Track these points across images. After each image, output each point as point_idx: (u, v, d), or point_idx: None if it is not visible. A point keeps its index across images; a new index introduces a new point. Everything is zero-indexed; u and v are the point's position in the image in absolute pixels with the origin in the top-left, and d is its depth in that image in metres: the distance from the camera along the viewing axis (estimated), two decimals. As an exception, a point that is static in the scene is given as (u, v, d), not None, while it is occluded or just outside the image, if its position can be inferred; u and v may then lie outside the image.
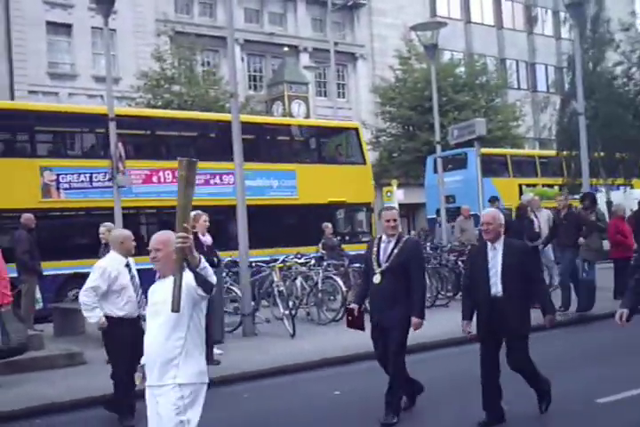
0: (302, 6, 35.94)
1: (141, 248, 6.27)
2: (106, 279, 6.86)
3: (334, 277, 13.10)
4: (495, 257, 6.40)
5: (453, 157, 24.66)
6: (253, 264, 12.78)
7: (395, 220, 6.76)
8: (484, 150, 26.29)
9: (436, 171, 21.69)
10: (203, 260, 4.13)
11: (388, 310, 6.61)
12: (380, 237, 6.90)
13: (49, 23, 29.11)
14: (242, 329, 11.61)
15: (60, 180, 15.38)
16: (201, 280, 4.05)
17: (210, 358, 8.94)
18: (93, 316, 6.93)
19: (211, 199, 15.60)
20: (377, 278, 6.73)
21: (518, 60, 43.05)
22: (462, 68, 33.48)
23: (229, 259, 12.92)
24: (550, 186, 25.13)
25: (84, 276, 7.24)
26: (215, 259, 9.91)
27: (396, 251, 6.70)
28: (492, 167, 26.13)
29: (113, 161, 12.89)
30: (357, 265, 14.51)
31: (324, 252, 16.08)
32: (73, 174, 15.60)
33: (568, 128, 21.72)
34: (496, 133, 29.39)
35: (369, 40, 38.05)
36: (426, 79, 26.60)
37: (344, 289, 12.72)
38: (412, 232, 30.31)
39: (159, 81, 26.98)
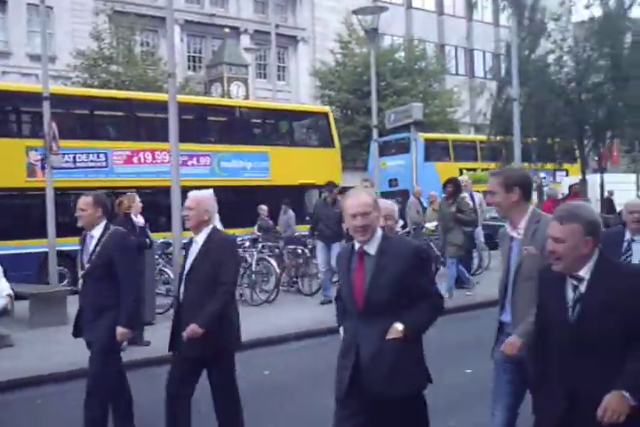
0: (244, -13, 35.73)
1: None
2: None
3: (268, 258, 13.23)
4: None
5: (397, 141, 25.01)
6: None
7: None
8: (427, 135, 26.75)
9: (380, 155, 22.06)
10: None
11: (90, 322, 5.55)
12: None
13: (-18, -1, 28.45)
14: (173, 311, 11.56)
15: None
16: None
17: (140, 339, 8.97)
18: None
19: (155, 179, 15.96)
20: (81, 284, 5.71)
21: (457, 46, 43.50)
22: (402, 54, 33.71)
23: (163, 240, 12.91)
24: (489, 170, 25.69)
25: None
26: (147, 240, 9.90)
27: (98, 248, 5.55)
28: (434, 152, 26.57)
29: (46, 141, 12.72)
30: (293, 247, 14.72)
31: (259, 233, 16.16)
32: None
33: (503, 114, 22.12)
34: (433, 118, 29.75)
35: (310, 23, 38.01)
36: (365, 63, 26.75)
37: (278, 271, 12.86)
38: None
39: (97, 60, 26.56)
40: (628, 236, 6.08)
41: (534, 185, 23.00)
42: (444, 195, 12.52)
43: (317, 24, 37.95)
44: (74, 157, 15.88)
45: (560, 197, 17.09)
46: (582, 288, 3.35)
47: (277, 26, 30.52)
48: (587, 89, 22.65)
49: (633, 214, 6.01)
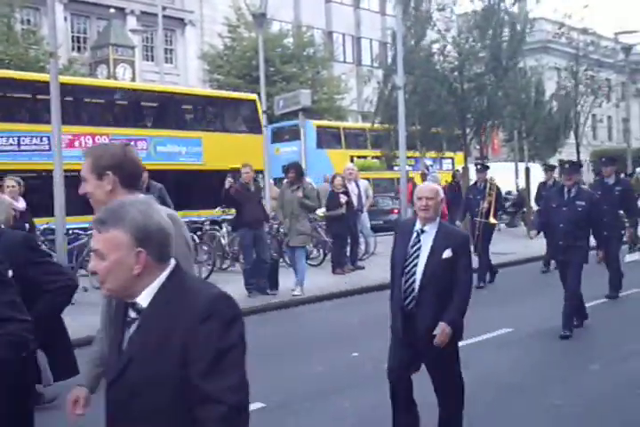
0: (130, -33, 34.89)
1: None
2: None
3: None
4: None
5: (290, 127, 25.09)
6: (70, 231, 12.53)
7: None
8: (320, 122, 27.01)
9: (273, 141, 22.22)
10: None
11: None
12: None
13: None
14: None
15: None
16: None
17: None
18: None
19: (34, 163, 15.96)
20: None
21: (345, 33, 43.89)
22: (290, 40, 33.78)
23: (46, 226, 12.59)
24: (379, 157, 26.19)
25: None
26: (27, 225, 9.65)
27: None
28: (326, 139, 26.84)
29: None
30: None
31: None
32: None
33: (388, 102, 22.51)
34: (321, 105, 30.00)
35: (198, 6, 37.49)
36: (254, 48, 26.67)
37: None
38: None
39: (-27, 38, 25.44)
40: (418, 225, 5.22)
41: (419, 172, 23.65)
42: (285, 181, 12.21)
43: (205, 7, 37.48)
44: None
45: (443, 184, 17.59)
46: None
47: (164, 8, 29.95)
48: (469, 79, 23.29)
49: (421, 201, 5.15)
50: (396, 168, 21.80)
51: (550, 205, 9.16)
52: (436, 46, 23.80)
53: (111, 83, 22.85)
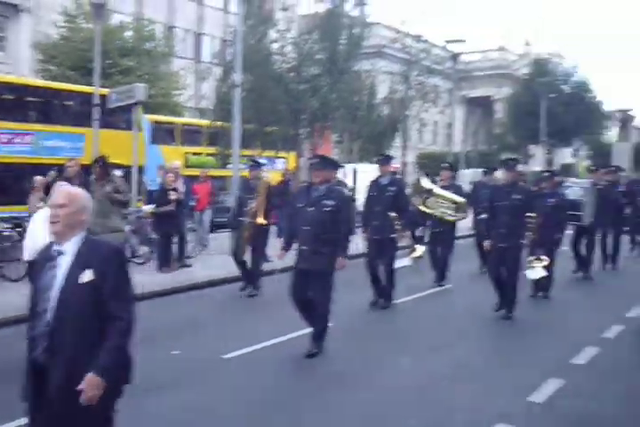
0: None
1: None
2: None
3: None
4: None
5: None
6: None
7: None
8: (156, 118, 26.70)
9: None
10: None
11: None
12: None
13: None
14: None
15: None
16: None
17: None
18: None
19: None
20: None
21: (186, 29, 43.62)
22: (130, 33, 33.23)
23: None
24: (214, 155, 26.21)
25: None
26: None
27: None
28: (161, 135, 26.57)
29: None
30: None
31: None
32: None
33: (225, 99, 22.68)
34: (158, 100, 29.74)
35: (34, -7, 36.19)
36: (91, 40, 26.06)
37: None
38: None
39: None
40: (55, 246, 3.92)
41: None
42: (93, 176, 10.94)
43: (41, -6, 36.23)
44: None
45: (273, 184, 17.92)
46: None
47: (-4, -7, 28.87)
48: (305, 80, 23.88)
49: (51, 211, 3.96)
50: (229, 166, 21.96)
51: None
52: (275, 46, 24.19)
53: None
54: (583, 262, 14.20)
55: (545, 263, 10.88)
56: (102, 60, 19.53)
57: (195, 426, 5.90)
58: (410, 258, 12.24)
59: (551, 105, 43.62)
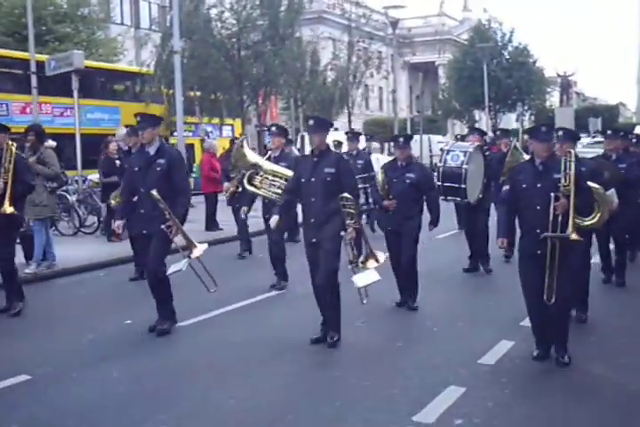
0: None
1: None
2: None
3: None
4: None
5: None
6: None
7: None
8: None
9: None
10: None
11: None
12: None
13: None
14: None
15: None
16: None
17: None
18: None
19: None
20: None
21: (122, -6, 42.52)
22: (63, -2, 32.22)
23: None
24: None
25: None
26: None
27: None
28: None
29: None
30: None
31: None
32: None
33: (166, 66, 22.26)
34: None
35: (-39, -44, 34.70)
36: (23, 5, 25.25)
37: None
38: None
39: None
40: None
41: (198, 138, 23.70)
42: (27, 144, 10.18)
43: (-31, -42, 34.78)
44: None
45: (221, 151, 17.70)
46: None
47: None
48: (246, 46, 23.54)
49: None
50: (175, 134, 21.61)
51: None
52: (214, 12, 23.80)
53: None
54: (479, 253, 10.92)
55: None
56: (37, 27, 18.86)
57: (162, 389, 5.78)
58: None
59: (493, 70, 43.77)
